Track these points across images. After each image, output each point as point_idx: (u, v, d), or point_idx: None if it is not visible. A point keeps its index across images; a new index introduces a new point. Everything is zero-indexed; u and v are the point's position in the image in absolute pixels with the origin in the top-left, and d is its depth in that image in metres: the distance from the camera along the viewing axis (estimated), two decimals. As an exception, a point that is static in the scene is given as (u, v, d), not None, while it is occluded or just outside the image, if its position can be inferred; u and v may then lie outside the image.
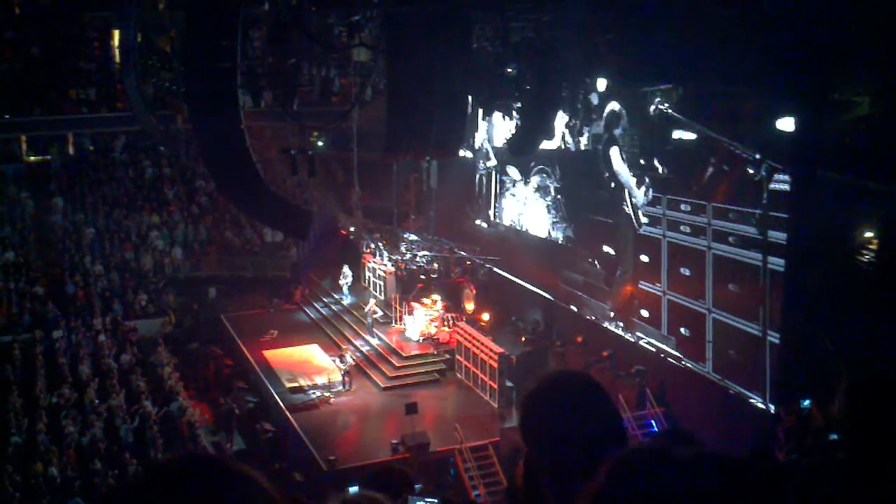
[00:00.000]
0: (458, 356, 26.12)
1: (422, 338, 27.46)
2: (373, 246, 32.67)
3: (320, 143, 33.02)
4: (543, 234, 28.04)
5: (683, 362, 21.17)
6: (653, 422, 20.29)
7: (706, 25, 17.15)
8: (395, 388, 25.55)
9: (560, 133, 24.67)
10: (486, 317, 27.92)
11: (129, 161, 38.64)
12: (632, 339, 23.06)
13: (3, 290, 31.05)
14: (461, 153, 26.91)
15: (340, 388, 25.46)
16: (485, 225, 31.97)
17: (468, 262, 30.60)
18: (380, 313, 28.61)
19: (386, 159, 24.18)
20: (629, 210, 22.86)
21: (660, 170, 21.23)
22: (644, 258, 22.90)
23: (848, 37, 15.25)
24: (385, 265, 31.05)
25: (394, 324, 28.83)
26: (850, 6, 15.40)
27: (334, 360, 26.56)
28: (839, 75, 15.78)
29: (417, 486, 6.24)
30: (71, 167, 38.25)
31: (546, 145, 23.39)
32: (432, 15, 16.77)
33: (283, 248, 35.87)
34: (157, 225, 35.74)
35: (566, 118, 24.12)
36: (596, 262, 25.28)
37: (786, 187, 16.82)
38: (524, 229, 29.29)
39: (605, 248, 24.50)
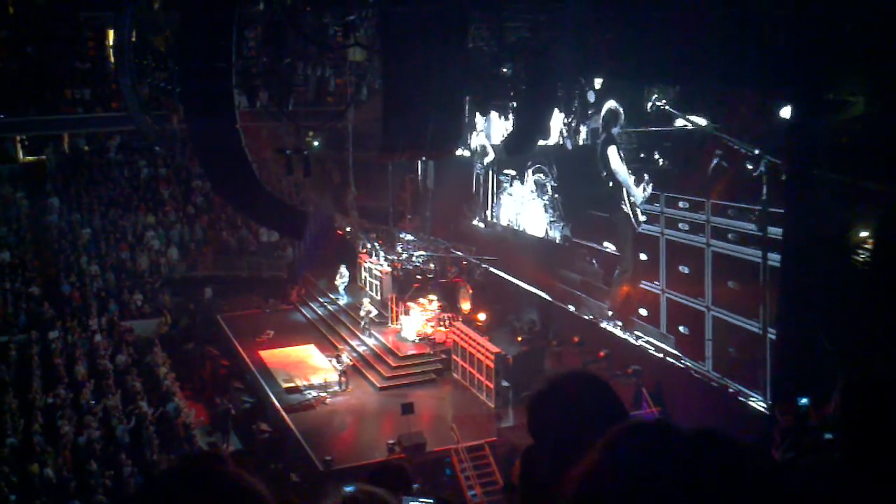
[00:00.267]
0: (454, 356, 26.12)
1: (418, 338, 27.45)
2: (369, 246, 32.65)
3: (316, 143, 33.05)
4: (541, 234, 28.05)
5: (683, 361, 21.18)
6: (649, 421, 20.26)
7: (702, 26, 17.17)
8: (391, 389, 25.53)
9: (557, 131, 24.70)
10: (482, 317, 27.91)
11: (125, 161, 38.57)
12: (630, 339, 23.07)
13: (-1, 291, 31.02)
14: (458, 152, 26.90)
15: (337, 388, 25.46)
16: (482, 225, 31.97)
17: (464, 262, 30.60)
18: (374, 312, 28.58)
19: (381, 159, 24.16)
20: (627, 209, 22.88)
21: (660, 162, 21.28)
22: (643, 256, 22.91)
23: (843, 36, 15.28)
24: (381, 265, 31.02)
25: (390, 324, 28.82)
26: (844, 6, 15.42)
27: (331, 361, 26.55)
28: (834, 75, 15.80)
29: (415, 486, 6.20)
30: (66, 167, 38.16)
31: (543, 143, 23.41)
32: (428, 15, 16.74)
33: (279, 249, 35.84)
34: (153, 225, 35.68)
35: (563, 117, 24.14)
36: (594, 262, 25.29)
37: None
38: (521, 229, 29.29)
39: (606, 245, 24.52)
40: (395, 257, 31.09)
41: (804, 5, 15.83)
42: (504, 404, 23.62)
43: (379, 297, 30.42)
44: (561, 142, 25.17)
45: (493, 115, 26.15)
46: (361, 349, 27.98)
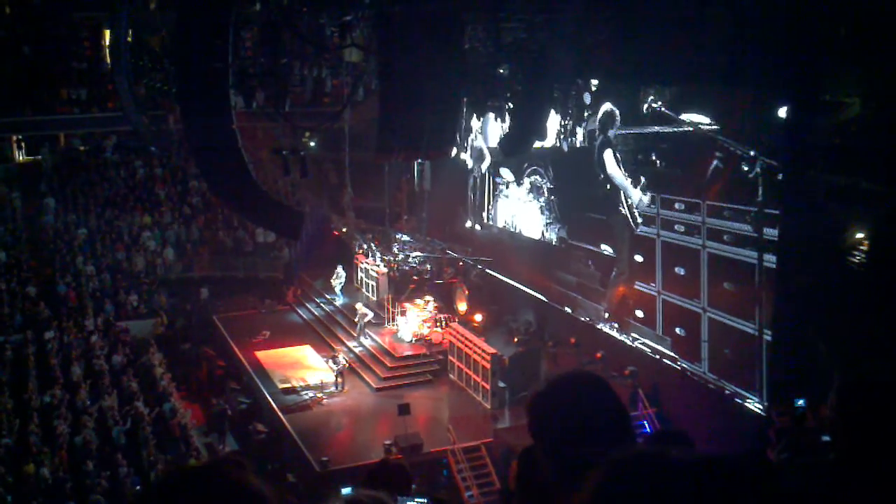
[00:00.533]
0: (450, 357, 26.10)
1: (414, 339, 27.44)
2: (365, 246, 32.64)
3: (312, 144, 33.07)
4: (537, 236, 28.06)
5: (679, 363, 21.19)
6: (645, 423, 20.30)
7: (698, 28, 17.21)
8: (387, 389, 25.51)
9: (554, 133, 24.71)
10: (478, 317, 27.92)
11: (121, 161, 38.49)
12: (627, 341, 23.08)
13: (-5, 291, 30.94)
14: (454, 154, 26.92)
15: (333, 388, 25.44)
16: (478, 227, 31.98)
17: (460, 263, 30.60)
18: (370, 316, 28.53)
19: (378, 160, 24.18)
20: (625, 211, 22.90)
21: (657, 164, 21.31)
22: (638, 258, 22.93)
23: (839, 38, 15.32)
24: (377, 266, 31.02)
25: (386, 325, 28.80)
26: (840, 8, 15.45)
27: (327, 361, 26.54)
28: (830, 76, 15.84)
29: (412, 486, 6.18)
30: (62, 167, 38.10)
31: (539, 145, 23.44)
32: (424, 15, 16.76)
33: (275, 249, 35.80)
34: (149, 225, 35.61)
35: (559, 118, 24.16)
36: (590, 263, 25.30)
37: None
38: (518, 231, 29.30)
39: (603, 247, 24.53)
40: (392, 258, 31.08)
41: (800, 7, 15.86)
42: (500, 405, 23.61)
43: (375, 298, 30.40)
44: (557, 144, 25.19)
45: (490, 117, 26.22)
46: (358, 350, 27.95)
